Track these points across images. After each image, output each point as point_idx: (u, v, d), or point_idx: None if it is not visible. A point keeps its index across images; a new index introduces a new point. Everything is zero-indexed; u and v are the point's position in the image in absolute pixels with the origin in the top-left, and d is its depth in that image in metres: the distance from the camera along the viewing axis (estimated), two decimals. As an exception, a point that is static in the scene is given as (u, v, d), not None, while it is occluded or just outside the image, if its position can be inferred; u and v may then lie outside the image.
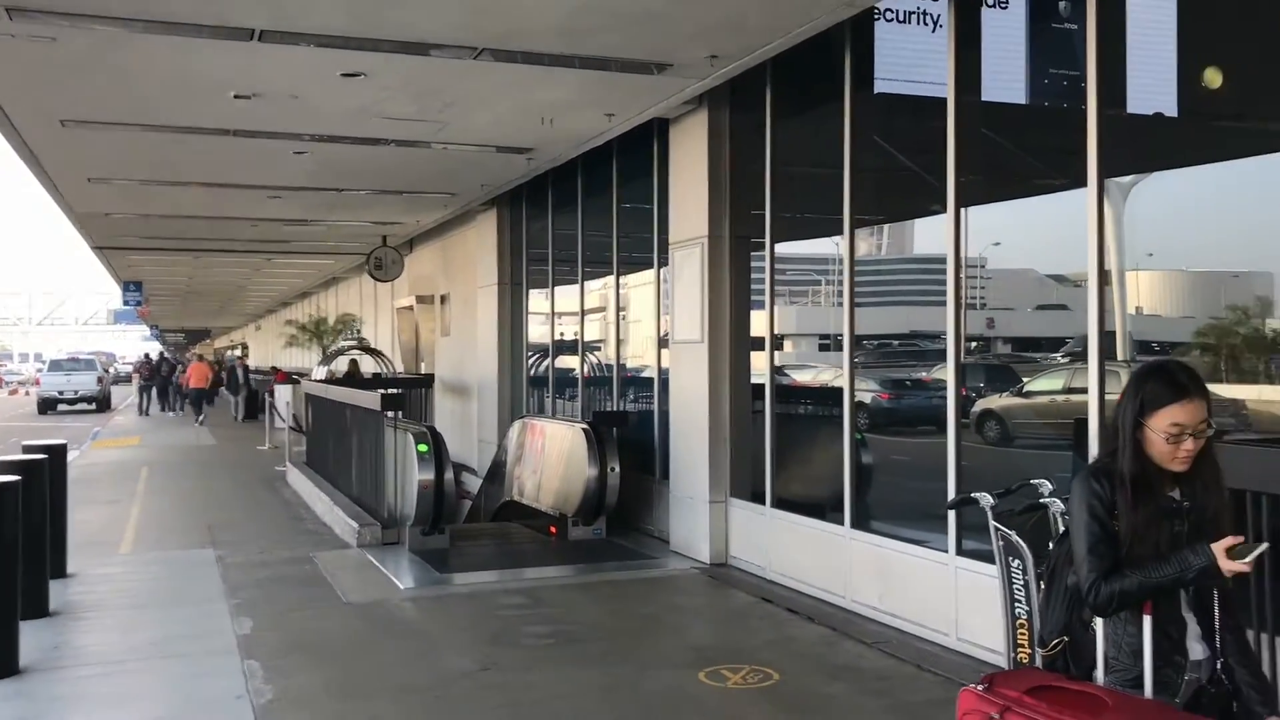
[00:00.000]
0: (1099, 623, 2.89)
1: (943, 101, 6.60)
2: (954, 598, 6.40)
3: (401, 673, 6.17)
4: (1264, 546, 2.71)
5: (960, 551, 6.42)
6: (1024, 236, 8.63)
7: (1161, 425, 2.80)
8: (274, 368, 29.31)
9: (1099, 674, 2.89)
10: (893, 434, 9.98)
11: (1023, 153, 8.13)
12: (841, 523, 7.61)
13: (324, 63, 7.49)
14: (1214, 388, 6.96)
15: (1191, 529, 2.82)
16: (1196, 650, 2.87)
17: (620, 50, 7.35)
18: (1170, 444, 2.80)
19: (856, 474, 7.85)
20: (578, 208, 12.53)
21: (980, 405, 11.28)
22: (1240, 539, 2.69)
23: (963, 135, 6.56)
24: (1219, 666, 2.86)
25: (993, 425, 11.06)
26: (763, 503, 8.58)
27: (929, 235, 7.39)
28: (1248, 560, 2.67)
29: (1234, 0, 5.83)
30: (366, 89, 8.20)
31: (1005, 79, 7.28)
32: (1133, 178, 6.97)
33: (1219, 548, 2.69)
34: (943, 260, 6.67)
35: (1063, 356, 10.80)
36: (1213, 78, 6.11)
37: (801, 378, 11.28)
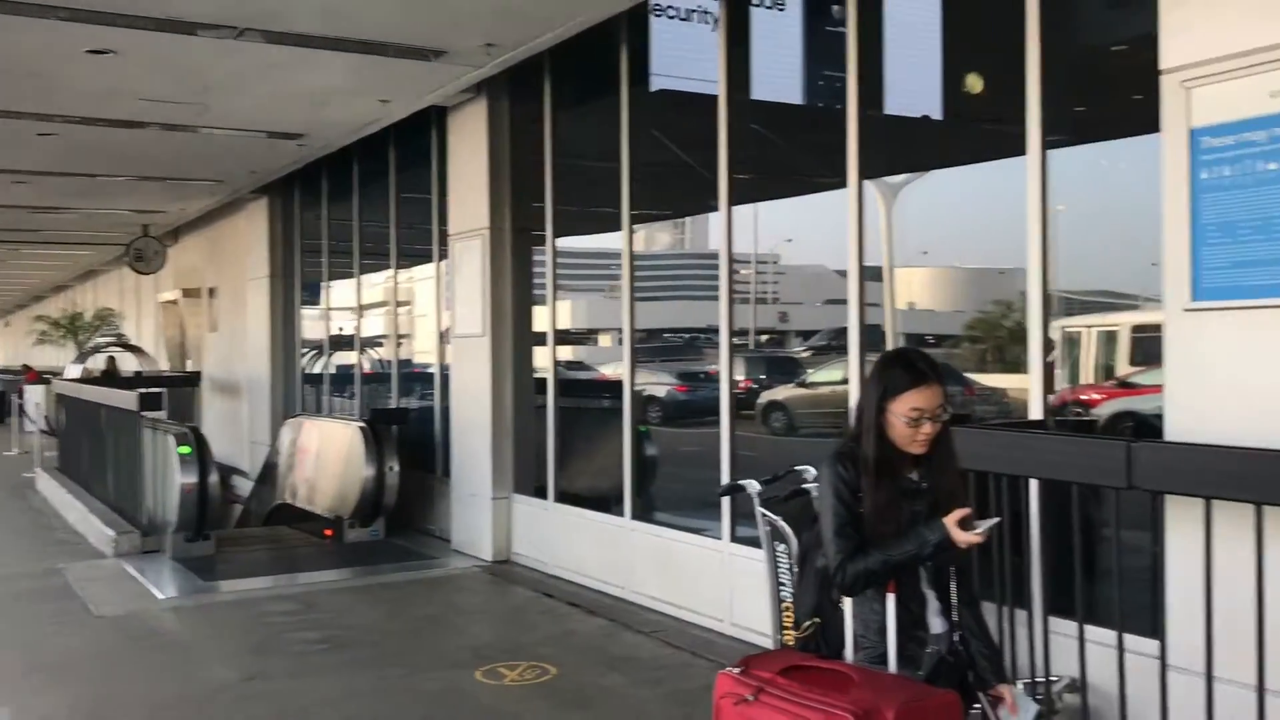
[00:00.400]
0: (848, 602, 2.98)
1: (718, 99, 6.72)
2: (729, 584, 6.54)
3: (157, 688, 5.80)
4: (996, 520, 2.87)
5: (734, 539, 6.56)
6: (815, 233, 8.90)
7: (902, 410, 2.92)
8: (25, 366, 27.21)
9: (849, 652, 2.98)
10: (688, 425, 10.13)
11: (799, 151, 8.38)
12: (622, 515, 7.66)
13: (67, 38, 6.95)
14: (979, 377, 7.40)
15: (929, 508, 2.94)
16: (936, 625, 3.00)
17: (393, 35, 7.15)
18: (910, 427, 2.92)
19: (640, 466, 7.92)
20: (354, 197, 12.16)
21: (766, 397, 11.62)
22: (969, 511, 2.84)
23: (734, 133, 6.69)
24: (957, 639, 3.01)
25: (778, 416, 11.41)
26: (545, 498, 8.55)
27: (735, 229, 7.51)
28: (979, 531, 2.82)
29: (990, 10, 6.15)
30: (118, 68, 7.67)
31: (783, 79, 7.47)
32: (905, 177, 7.28)
33: (950, 521, 2.83)
34: (737, 257, 6.84)
35: (805, 351, 11.24)
36: (974, 83, 6.43)
37: (607, 371, 11.29)
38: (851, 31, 5.83)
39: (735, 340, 6.92)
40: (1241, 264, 3.80)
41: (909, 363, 3.00)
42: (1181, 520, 3.82)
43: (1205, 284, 3.90)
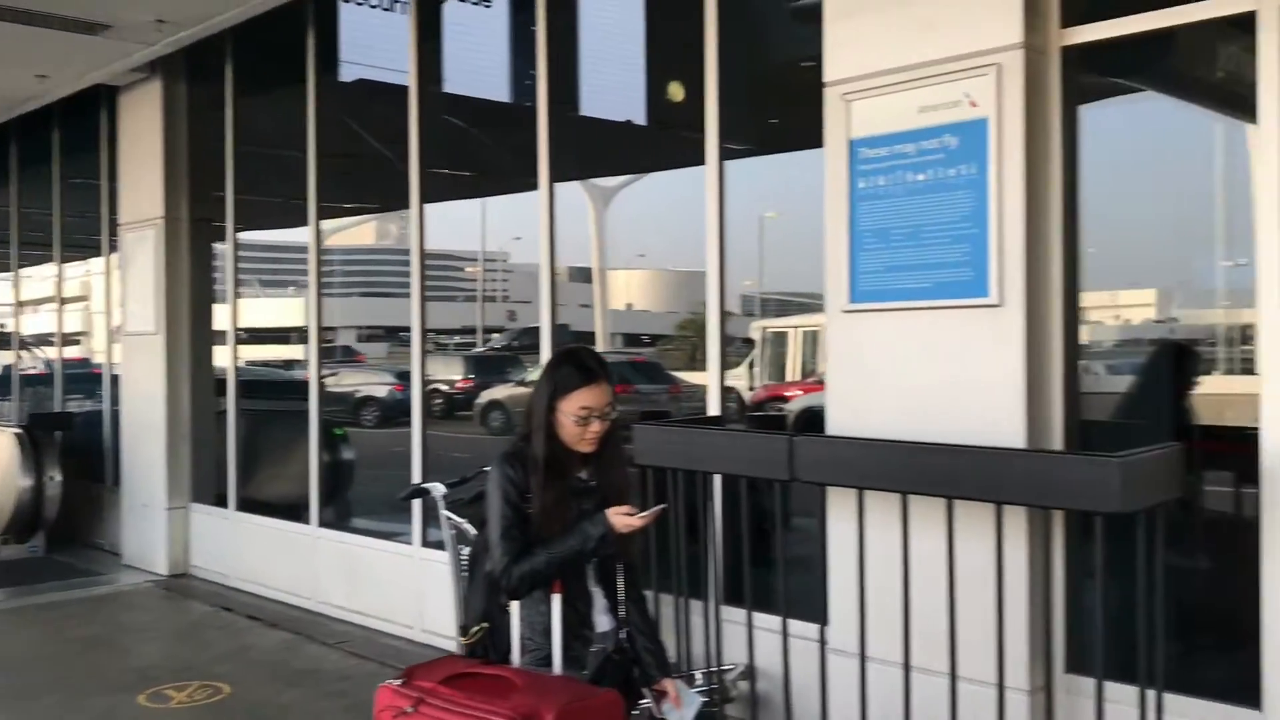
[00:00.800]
0: (515, 606, 2.93)
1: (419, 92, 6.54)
2: (419, 590, 6.38)
3: None
4: (662, 506, 2.91)
5: (426, 543, 6.41)
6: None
7: (571, 408, 2.90)
8: None
9: (515, 655, 2.93)
10: (406, 425, 9.90)
11: (506, 150, 8.30)
12: (309, 522, 7.33)
13: None
14: (688, 376, 7.59)
15: (597, 506, 2.94)
16: (603, 623, 3.00)
17: (52, 4, 6.50)
18: (579, 426, 2.90)
19: (333, 470, 7.62)
20: (11, 181, 11.02)
21: (485, 396, 11.51)
22: (633, 509, 2.86)
23: (427, 127, 6.53)
24: (623, 636, 3.02)
25: (497, 415, 11.33)
26: (226, 506, 8.05)
27: (463, 227, 7.30)
28: (642, 516, 2.84)
29: (682, 22, 6.29)
30: None
31: (490, 75, 7.36)
32: (619, 180, 7.35)
33: (613, 512, 2.84)
34: (465, 255, 6.65)
35: (488, 351, 11.28)
36: (676, 91, 6.57)
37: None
38: (541, 30, 5.81)
39: (459, 340, 6.78)
40: (893, 269, 4.05)
41: (579, 362, 2.99)
42: (841, 510, 4.03)
43: (862, 287, 4.14)
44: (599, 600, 3.00)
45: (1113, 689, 3.38)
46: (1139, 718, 3.28)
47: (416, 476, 6.47)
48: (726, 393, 5.21)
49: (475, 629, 2.99)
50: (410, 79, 6.53)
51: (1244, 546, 3.45)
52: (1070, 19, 3.80)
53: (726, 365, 5.18)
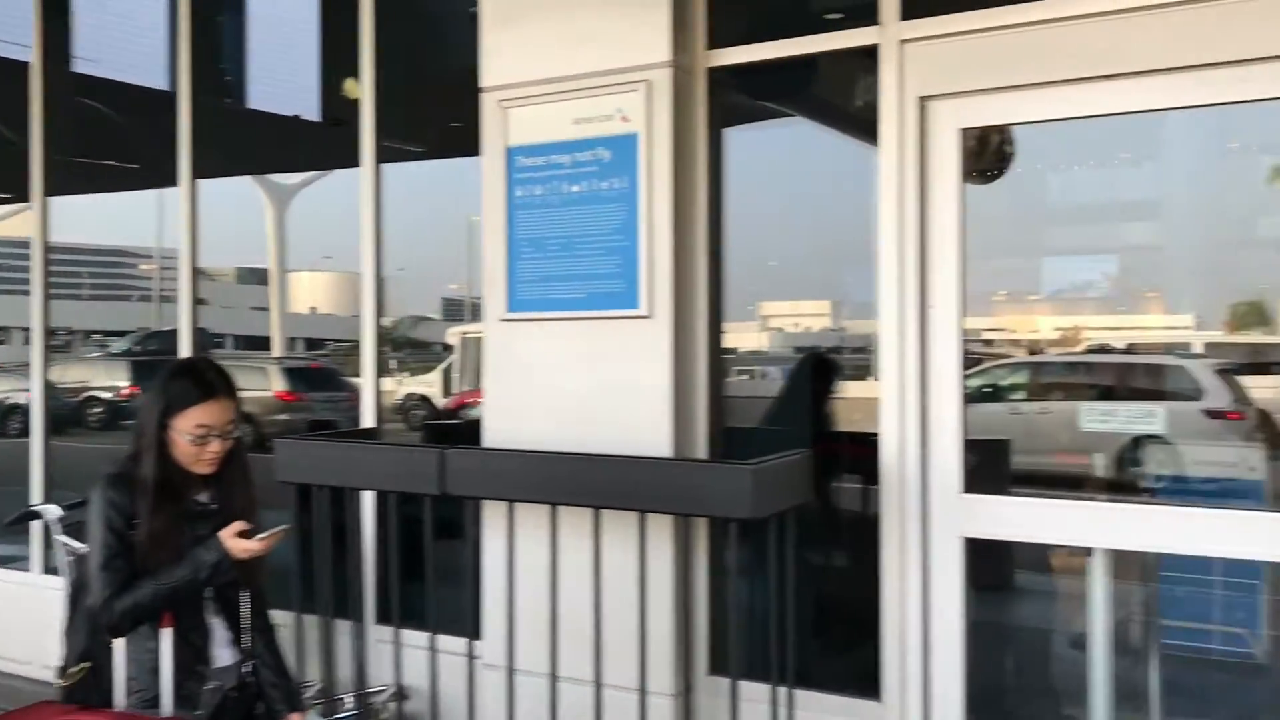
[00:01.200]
0: (120, 643, 2.65)
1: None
2: (39, 621, 5.73)
3: None
4: (284, 526, 2.72)
5: (47, 569, 5.80)
6: (223, 230, 8.32)
7: (187, 426, 2.66)
8: None
9: (120, 698, 2.64)
10: (63, 436, 9.06)
11: (158, 142, 7.68)
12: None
13: None
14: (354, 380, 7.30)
15: (214, 531, 2.70)
16: (223, 657, 2.77)
17: None
18: (195, 445, 2.66)
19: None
20: None
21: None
22: (249, 525, 2.66)
23: (55, 112, 5.94)
24: (248, 670, 2.80)
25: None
26: None
27: (137, 221, 6.65)
28: (262, 538, 2.64)
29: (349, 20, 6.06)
30: None
31: (146, 60, 6.76)
32: (300, 178, 6.94)
33: (227, 534, 2.62)
34: (133, 251, 6.04)
35: (105, 354, 10.62)
36: (352, 88, 6.29)
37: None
38: (185, 10, 5.40)
39: (125, 344, 6.15)
40: (550, 279, 4.04)
41: (197, 375, 2.74)
42: (494, 522, 3.96)
43: (519, 296, 4.10)
44: (219, 632, 2.75)
45: (751, 688, 3.50)
46: (771, 715, 3.42)
47: (36, 496, 5.85)
48: (401, 399, 5.04)
49: (75, 669, 2.67)
50: (34, 55, 5.93)
51: (872, 545, 3.68)
52: (717, 41, 3.92)
53: (418, 373, 5.02)
